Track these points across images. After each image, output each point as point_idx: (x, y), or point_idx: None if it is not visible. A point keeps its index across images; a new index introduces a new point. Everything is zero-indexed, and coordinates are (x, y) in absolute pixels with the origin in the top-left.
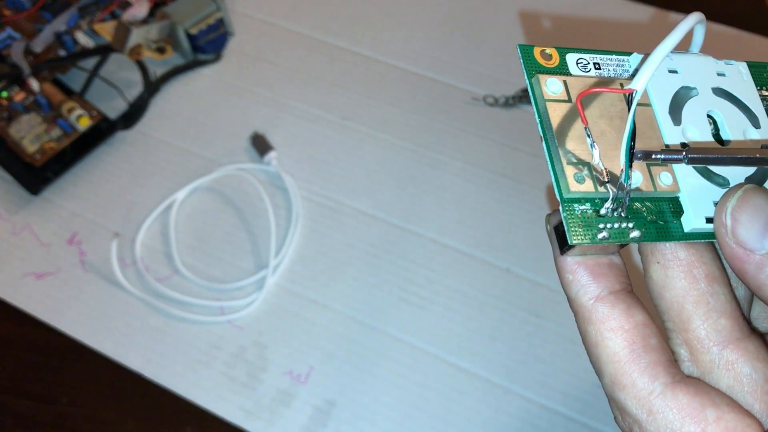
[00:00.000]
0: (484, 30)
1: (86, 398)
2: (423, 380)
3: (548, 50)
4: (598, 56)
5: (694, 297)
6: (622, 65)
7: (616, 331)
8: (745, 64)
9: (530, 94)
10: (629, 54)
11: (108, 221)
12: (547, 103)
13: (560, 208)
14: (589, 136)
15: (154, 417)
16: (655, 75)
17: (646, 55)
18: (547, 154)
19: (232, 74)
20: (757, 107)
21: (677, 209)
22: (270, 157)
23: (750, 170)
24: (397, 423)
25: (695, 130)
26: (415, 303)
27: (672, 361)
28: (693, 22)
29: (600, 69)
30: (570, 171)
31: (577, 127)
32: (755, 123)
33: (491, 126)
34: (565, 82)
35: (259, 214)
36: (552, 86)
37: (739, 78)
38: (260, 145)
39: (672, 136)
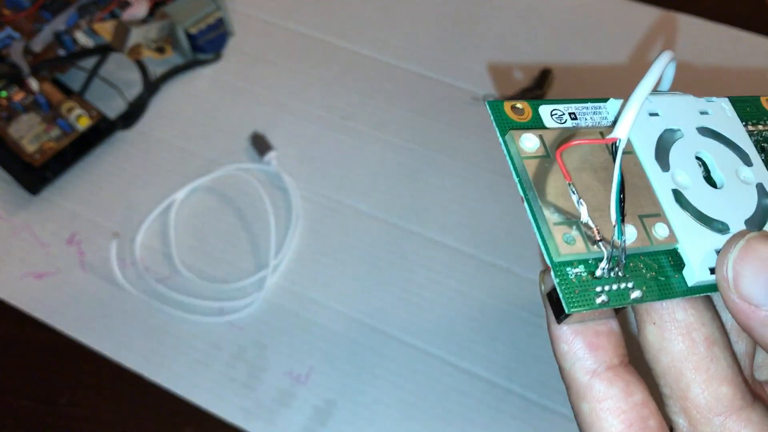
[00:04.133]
0: (484, 29)
1: (86, 398)
2: (423, 380)
3: (519, 104)
4: (573, 105)
5: (693, 362)
6: (599, 112)
7: (613, 412)
8: (727, 99)
9: (505, 152)
10: (605, 100)
11: (107, 221)
12: (525, 161)
13: (551, 273)
14: (574, 192)
15: (154, 417)
16: (636, 120)
17: (626, 100)
18: (530, 214)
19: (232, 74)
20: (745, 143)
21: (677, 262)
22: (270, 157)
23: (749, 212)
24: (397, 423)
25: (685, 175)
26: (415, 303)
27: None
28: (666, 61)
29: (576, 119)
30: (558, 232)
31: (560, 183)
32: (746, 160)
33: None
34: (541, 137)
35: (259, 214)
36: (527, 142)
37: (723, 115)
38: (260, 144)
39: (661, 183)
